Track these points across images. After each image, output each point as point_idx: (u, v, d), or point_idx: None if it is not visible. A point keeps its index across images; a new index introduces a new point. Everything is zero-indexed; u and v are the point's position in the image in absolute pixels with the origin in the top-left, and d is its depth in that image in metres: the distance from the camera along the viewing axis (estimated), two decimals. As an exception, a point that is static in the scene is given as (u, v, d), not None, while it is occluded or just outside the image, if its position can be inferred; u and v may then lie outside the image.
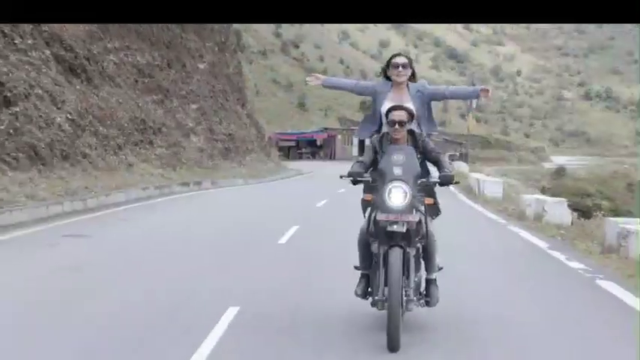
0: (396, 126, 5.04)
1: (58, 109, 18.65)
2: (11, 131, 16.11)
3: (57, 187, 15.62)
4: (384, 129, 5.30)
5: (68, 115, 18.95)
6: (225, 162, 31.18)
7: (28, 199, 13.76)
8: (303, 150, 69.90)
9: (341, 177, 5.19)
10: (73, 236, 10.79)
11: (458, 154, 52.07)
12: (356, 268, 5.35)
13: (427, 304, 5.26)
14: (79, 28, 22.44)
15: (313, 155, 68.91)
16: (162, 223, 13.72)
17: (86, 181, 17.37)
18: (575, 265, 8.60)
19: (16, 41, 18.32)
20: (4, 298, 6.44)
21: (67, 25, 21.44)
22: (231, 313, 5.74)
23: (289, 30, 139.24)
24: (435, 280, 5.30)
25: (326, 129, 73.97)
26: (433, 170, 5.28)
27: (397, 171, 4.84)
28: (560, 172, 62.15)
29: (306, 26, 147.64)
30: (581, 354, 5.10)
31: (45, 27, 20.33)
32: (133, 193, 18.12)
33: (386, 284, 4.78)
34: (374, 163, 5.15)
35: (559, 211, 12.77)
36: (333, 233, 11.22)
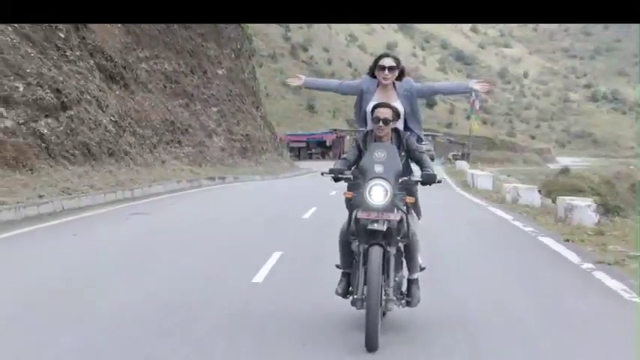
0: (380, 123, 5.02)
1: (103, 112, 21.43)
2: (68, 131, 18.87)
3: (108, 179, 18.41)
4: (369, 126, 5.30)
5: (111, 118, 21.73)
6: (244, 160, 33.97)
7: (89, 188, 16.53)
8: (313, 150, 72.53)
9: (322, 174, 5.17)
10: (138, 214, 13.57)
11: (460, 153, 54.69)
12: (337, 266, 5.35)
13: (408, 304, 5.21)
14: (116, 39, 25.21)
15: (323, 155, 71.50)
16: (206, 205, 16.62)
17: (129, 174, 20.15)
18: (527, 229, 11.53)
19: (67, 53, 21.08)
20: (117, 249, 9.18)
21: (107, 37, 24.22)
22: (277, 254, 8.41)
23: (298, 33, 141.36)
24: (417, 280, 5.26)
25: (335, 130, 76.49)
26: (417, 169, 5.26)
27: (378, 169, 4.79)
28: (564, 172, 64.02)
29: (315, 29, 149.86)
30: (516, 269, 8.02)
31: (89, 39, 23.12)
32: (169, 185, 20.90)
33: (365, 283, 4.69)
34: (358, 161, 5.10)
35: (530, 195, 15.60)
36: (344, 211, 14.11)
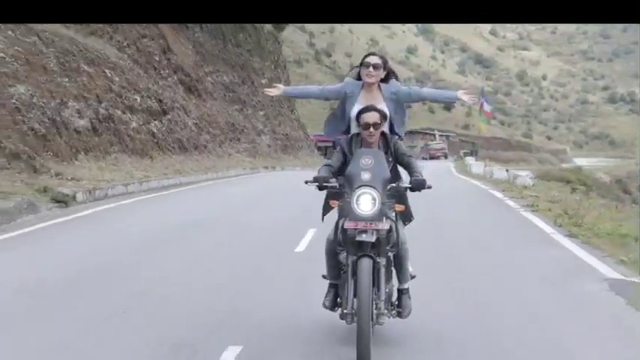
0: (371, 129, 4.76)
1: (188, 116, 28.47)
2: (168, 131, 25.89)
3: (198, 165, 25.43)
4: (353, 130, 5.03)
5: (193, 120, 28.77)
6: (285, 155, 40.96)
7: (191, 170, 23.54)
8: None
9: (306, 182, 4.82)
10: (230, 185, 20.57)
11: (469, 151, 61.54)
12: (324, 277, 5.07)
13: (399, 315, 5.00)
14: (189, 59, 32.23)
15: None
16: (272, 181, 23.70)
17: (210, 162, 27.19)
18: (485, 188, 18.49)
19: (161, 72, 28.13)
20: (229, 202, 16.12)
21: (184, 57, 31.22)
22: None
23: (321, 39, 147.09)
24: (408, 289, 5.04)
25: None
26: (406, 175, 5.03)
27: (365, 176, 4.51)
28: (577, 171, 68.71)
29: (337, 34, 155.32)
30: (471, 202, 14.83)
31: (172, 60, 30.11)
32: (238, 171, 27.89)
33: (355, 296, 4.45)
34: (343, 167, 4.81)
35: (501, 174, 22.49)
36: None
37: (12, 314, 5.78)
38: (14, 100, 16.79)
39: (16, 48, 18.20)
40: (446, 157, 59.60)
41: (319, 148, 70.21)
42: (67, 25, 21.91)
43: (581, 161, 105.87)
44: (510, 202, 14.32)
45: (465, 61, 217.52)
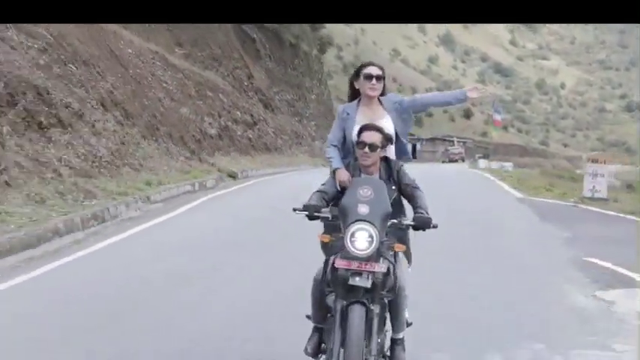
0: (366, 149, 4.18)
1: (267, 126, 38.56)
2: (257, 137, 35.96)
3: (280, 161, 35.43)
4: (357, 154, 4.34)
5: (271, 129, 38.85)
6: (331, 157, 51.02)
7: (276, 164, 33.60)
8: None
9: (294, 210, 4.13)
10: (298, 173, 30.42)
11: (483, 155, 71.16)
12: (308, 317, 4.37)
13: None
14: (263, 81, 42.40)
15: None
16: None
17: (287, 160, 37.27)
18: (487, 175, 28.22)
19: (248, 93, 38.23)
20: (294, 184, 26.07)
21: (260, 81, 41.37)
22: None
23: (348, 52, 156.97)
24: (403, 339, 4.35)
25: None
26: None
27: (363, 209, 3.86)
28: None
29: (362, 47, 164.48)
30: (469, 179, 24.81)
31: (253, 82, 40.18)
32: (305, 166, 37.92)
33: (342, 347, 3.79)
34: (338, 196, 4.20)
35: (496, 165, 32.36)
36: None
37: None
38: (183, 117, 26.85)
39: (174, 82, 28.28)
40: (463, 160, 68.97)
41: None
42: (194, 60, 32.06)
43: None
44: (492, 177, 24.06)
45: (485, 70, 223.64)
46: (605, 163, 16.50)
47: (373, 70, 4.53)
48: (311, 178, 10.03)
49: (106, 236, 10.78)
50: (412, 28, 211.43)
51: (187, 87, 29.11)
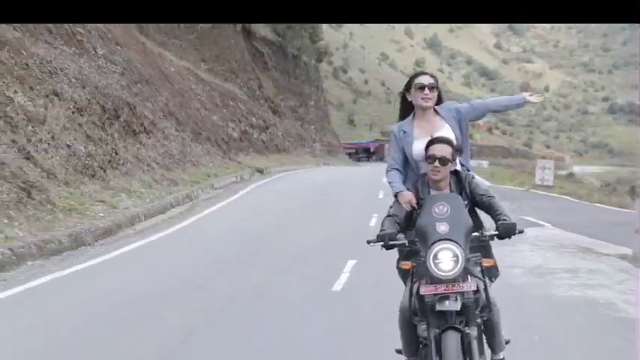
0: (436, 163, 3.87)
1: (277, 129, 43.94)
2: (270, 139, 41.31)
3: (291, 160, 40.79)
4: (423, 170, 4.06)
5: (280, 133, 44.27)
6: (329, 157, 56.42)
7: (287, 163, 38.95)
8: (361, 155, 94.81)
9: (368, 242, 3.89)
10: (307, 170, 35.84)
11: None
12: (398, 352, 4.08)
13: None
14: (271, 90, 47.74)
15: (367, 158, 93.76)
16: (330, 170, 39.03)
17: (295, 159, 42.66)
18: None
19: (260, 101, 43.54)
20: (324, 175, 31.43)
21: (269, 90, 46.76)
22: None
23: (337, 56, 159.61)
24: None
25: (377, 140, 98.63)
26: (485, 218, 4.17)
27: (442, 228, 3.59)
28: (569, 176, 75.97)
29: (350, 51, 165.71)
30: None
31: (263, 91, 45.46)
32: (310, 165, 43.29)
33: None
34: (411, 217, 3.93)
35: (477, 163, 37.86)
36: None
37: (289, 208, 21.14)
38: (214, 124, 32.09)
39: (204, 94, 33.52)
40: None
41: (348, 154, 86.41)
42: (215, 73, 37.36)
43: (577, 169, 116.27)
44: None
45: (470, 73, 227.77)
46: (551, 159, 22.07)
47: (425, 80, 4.22)
48: (321, 174, 15.39)
49: (204, 207, 16.06)
50: (399, 32, 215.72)
51: (214, 97, 34.35)
